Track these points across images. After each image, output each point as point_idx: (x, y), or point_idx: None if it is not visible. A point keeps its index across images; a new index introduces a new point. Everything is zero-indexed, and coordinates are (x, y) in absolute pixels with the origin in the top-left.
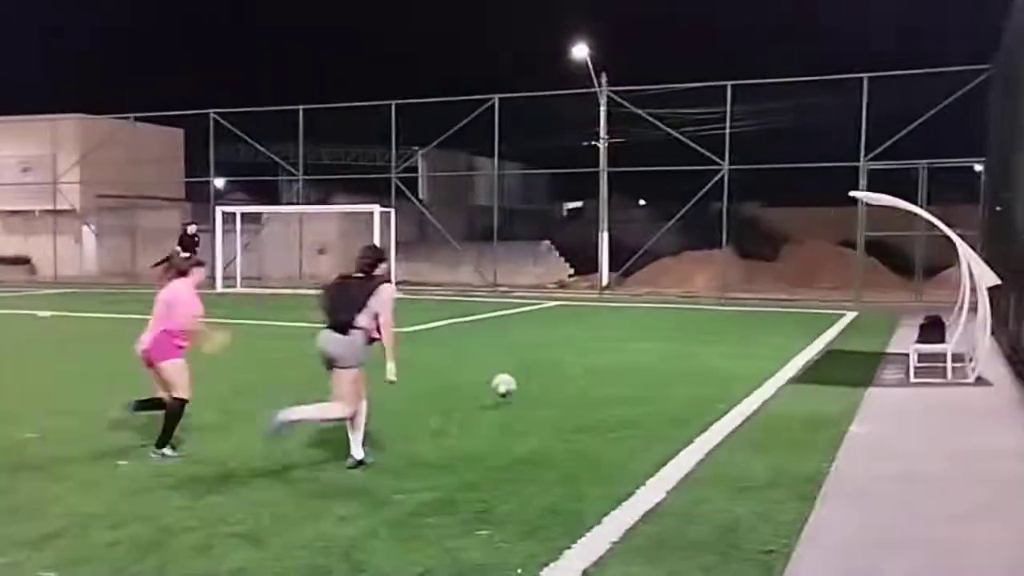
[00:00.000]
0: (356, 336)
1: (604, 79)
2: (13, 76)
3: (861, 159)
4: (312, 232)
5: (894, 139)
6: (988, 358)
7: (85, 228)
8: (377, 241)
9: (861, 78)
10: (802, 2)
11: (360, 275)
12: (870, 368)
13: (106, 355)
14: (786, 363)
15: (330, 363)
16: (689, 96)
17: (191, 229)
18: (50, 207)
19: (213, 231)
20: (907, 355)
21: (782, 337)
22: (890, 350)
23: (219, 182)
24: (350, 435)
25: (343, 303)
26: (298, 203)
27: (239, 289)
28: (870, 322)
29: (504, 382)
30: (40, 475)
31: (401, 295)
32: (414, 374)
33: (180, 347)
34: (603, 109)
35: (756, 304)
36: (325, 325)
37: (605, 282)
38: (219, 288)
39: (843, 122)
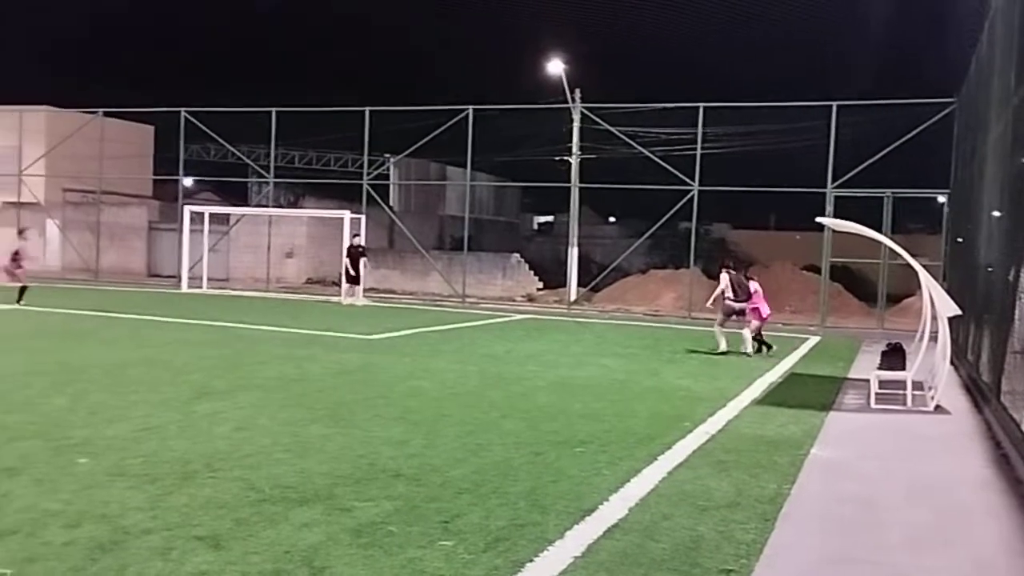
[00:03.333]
0: None
1: (578, 95)
2: None
3: (828, 185)
4: (281, 235)
5: (861, 167)
6: (947, 387)
7: (49, 222)
8: (346, 246)
9: (830, 106)
10: (774, 28)
11: None
12: (832, 392)
13: (63, 350)
14: (749, 384)
15: None
16: (661, 116)
17: (356, 241)
18: (14, 199)
19: (180, 231)
20: (868, 381)
21: (746, 359)
22: (852, 375)
23: (188, 181)
24: None
25: None
26: (268, 205)
27: (204, 290)
28: (833, 347)
29: None
30: None
31: (369, 302)
32: (377, 382)
33: None
34: (576, 125)
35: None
36: None
37: (573, 297)
38: (184, 288)
39: (811, 148)
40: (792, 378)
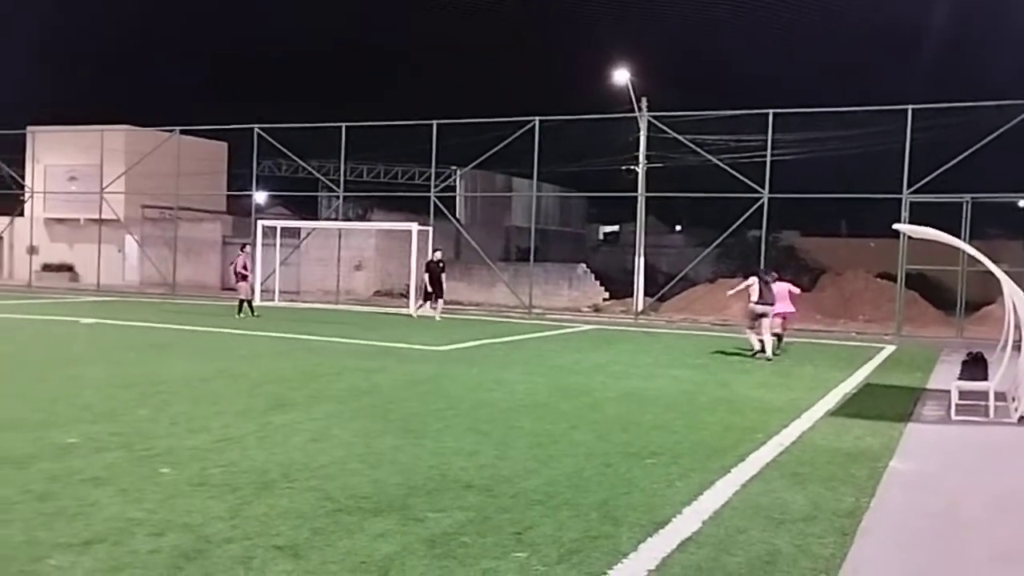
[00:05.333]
0: None
1: (645, 104)
2: (64, 86)
3: (904, 191)
4: (350, 248)
5: (937, 172)
6: None
7: (128, 238)
8: (414, 260)
9: (905, 109)
10: (852, 34)
11: None
12: (910, 403)
13: (144, 362)
14: (824, 395)
15: None
16: (730, 123)
17: (437, 256)
18: (95, 216)
19: (254, 245)
20: (948, 392)
21: (819, 368)
22: (930, 386)
23: (260, 196)
24: None
25: None
26: (337, 219)
27: (277, 303)
28: (910, 357)
29: None
30: (82, 480)
31: (436, 315)
32: (447, 393)
33: None
34: (643, 134)
35: (792, 334)
36: None
37: (640, 307)
38: (257, 301)
39: (886, 153)
40: (868, 388)
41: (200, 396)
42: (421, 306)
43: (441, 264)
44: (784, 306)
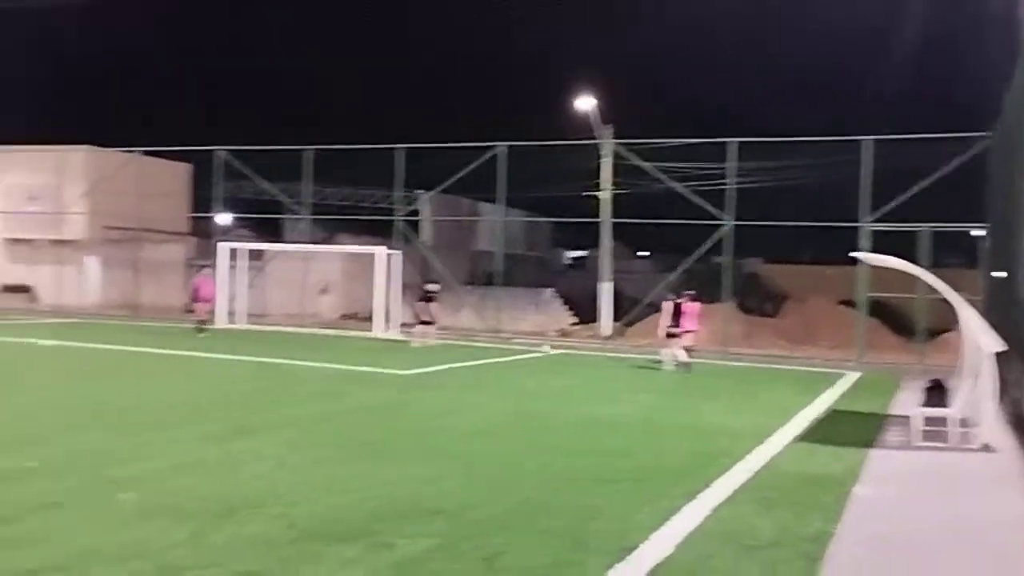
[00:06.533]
0: None
1: (609, 131)
2: (23, 106)
3: (863, 219)
4: (316, 271)
5: (896, 202)
6: (993, 425)
7: (89, 259)
8: (380, 282)
9: (862, 140)
10: (809, 64)
11: None
12: (873, 429)
13: (107, 386)
14: (788, 420)
15: None
16: (694, 151)
17: (431, 287)
18: (55, 237)
19: (215, 267)
20: (909, 417)
21: (783, 394)
22: (893, 412)
23: (224, 218)
24: None
25: None
26: (303, 242)
27: (243, 325)
28: (872, 383)
29: None
30: (42, 505)
31: (402, 337)
32: (413, 418)
33: None
34: (607, 160)
35: (756, 360)
36: None
37: (607, 332)
38: (222, 324)
39: (846, 182)
40: (833, 415)
41: (160, 420)
42: (424, 335)
43: (431, 295)
44: (689, 324)
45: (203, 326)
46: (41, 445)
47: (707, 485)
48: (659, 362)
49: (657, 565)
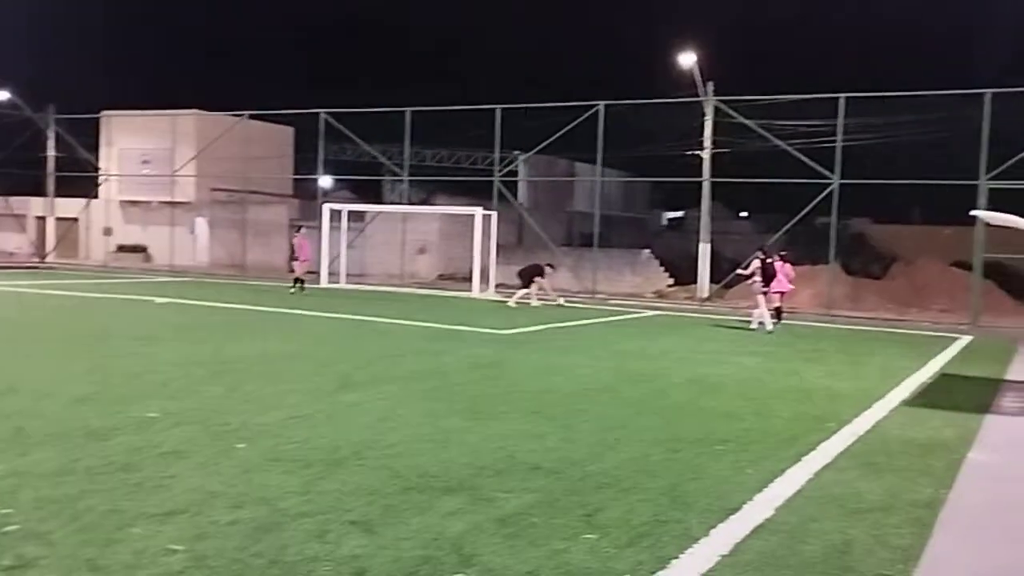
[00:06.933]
0: None
1: (711, 88)
2: (138, 72)
3: (981, 177)
4: (414, 232)
5: (1017, 157)
6: None
7: (199, 220)
8: (478, 242)
9: (983, 93)
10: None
11: None
12: (988, 395)
13: (218, 341)
14: (896, 385)
15: None
16: (799, 107)
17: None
18: (167, 199)
19: (319, 228)
20: None
21: (891, 357)
22: (1009, 377)
23: (326, 180)
24: None
25: None
26: (402, 203)
27: (343, 284)
28: (987, 348)
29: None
30: (162, 453)
31: (499, 298)
32: (512, 377)
33: None
34: (709, 118)
35: (862, 323)
36: None
37: (705, 293)
38: (323, 283)
39: (962, 139)
40: (944, 379)
41: (270, 374)
42: (528, 297)
43: (544, 266)
44: (781, 285)
45: (300, 284)
46: (159, 397)
47: (813, 448)
48: (760, 324)
49: (759, 526)
